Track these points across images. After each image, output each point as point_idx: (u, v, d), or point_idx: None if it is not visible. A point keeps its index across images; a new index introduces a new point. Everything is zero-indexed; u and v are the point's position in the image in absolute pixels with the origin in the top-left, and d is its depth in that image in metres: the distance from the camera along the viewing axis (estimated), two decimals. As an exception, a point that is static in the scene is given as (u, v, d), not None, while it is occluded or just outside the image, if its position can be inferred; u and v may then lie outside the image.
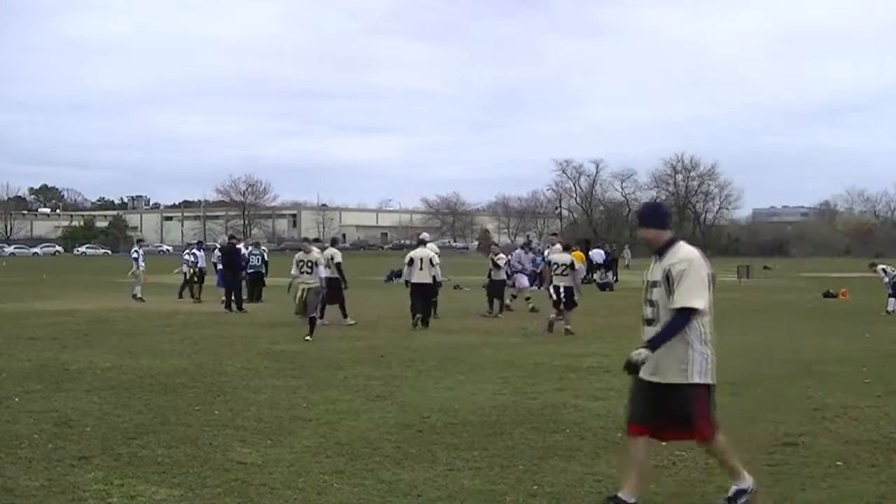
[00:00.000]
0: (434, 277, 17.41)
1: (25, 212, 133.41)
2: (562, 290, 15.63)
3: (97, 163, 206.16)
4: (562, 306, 15.69)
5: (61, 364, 11.43)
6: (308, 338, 14.26)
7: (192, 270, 25.30)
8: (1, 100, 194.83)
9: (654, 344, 5.05)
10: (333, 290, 17.54)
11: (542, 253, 26.83)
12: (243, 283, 22.80)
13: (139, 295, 24.54)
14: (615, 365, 11.40)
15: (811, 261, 77.59)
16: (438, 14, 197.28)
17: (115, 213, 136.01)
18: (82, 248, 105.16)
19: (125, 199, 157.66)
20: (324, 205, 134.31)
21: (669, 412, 5.13)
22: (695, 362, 5.09)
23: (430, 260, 17.29)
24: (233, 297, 21.17)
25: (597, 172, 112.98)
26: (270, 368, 11.20)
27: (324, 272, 14.96)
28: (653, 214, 5.50)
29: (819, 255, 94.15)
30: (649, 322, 5.25)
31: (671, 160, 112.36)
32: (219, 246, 27.56)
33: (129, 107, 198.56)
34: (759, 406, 8.62)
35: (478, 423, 7.82)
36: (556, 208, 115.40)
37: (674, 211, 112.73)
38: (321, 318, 17.26)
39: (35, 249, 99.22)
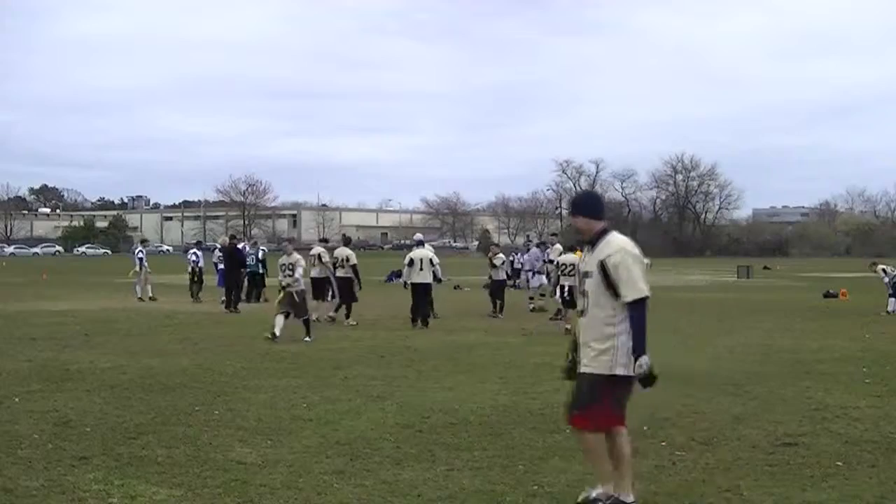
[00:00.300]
0: (435, 275, 17.60)
1: (25, 212, 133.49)
2: (567, 289, 15.82)
3: (97, 163, 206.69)
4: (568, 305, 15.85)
5: (61, 364, 11.43)
6: (307, 339, 14.25)
7: (190, 270, 25.29)
8: (1, 100, 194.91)
9: (638, 348, 4.98)
10: (345, 290, 17.68)
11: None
12: (243, 283, 22.81)
13: (150, 294, 24.53)
14: (615, 365, 11.43)
15: (811, 261, 77.61)
16: (438, 14, 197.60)
17: (115, 213, 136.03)
18: (82, 248, 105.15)
19: (125, 199, 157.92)
20: (324, 205, 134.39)
21: (580, 395, 5.10)
22: (620, 354, 5.02)
23: (431, 260, 17.51)
24: (231, 297, 21.18)
25: (597, 172, 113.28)
26: (270, 368, 11.20)
27: (301, 274, 14.82)
28: (585, 202, 5.41)
29: (819, 255, 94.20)
30: (580, 314, 5.21)
31: (671, 160, 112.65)
32: (219, 246, 27.55)
33: (130, 107, 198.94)
34: (759, 406, 8.62)
35: (478, 423, 7.82)
36: (557, 208, 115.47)
37: (674, 211, 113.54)
38: (347, 317, 17.41)
39: (35, 249, 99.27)
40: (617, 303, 5.02)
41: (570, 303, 15.70)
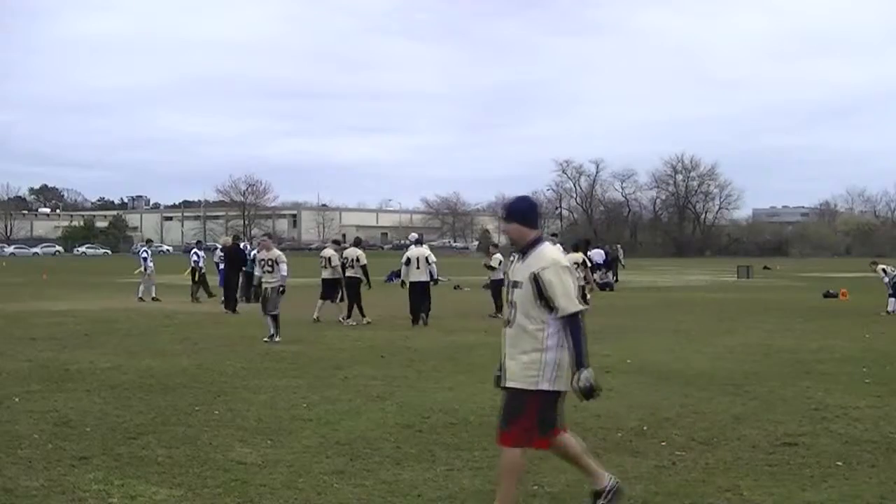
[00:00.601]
0: (431, 275, 17.71)
1: (25, 212, 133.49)
2: None
3: (97, 163, 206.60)
4: None
5: (61, 364, 11.43)
6: (267, 339, 14.03)
7: (191, 270, 25.31)
8: (1, 100, 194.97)
9: (582, 360, 4.81)
10: (353, 290, 17.74)
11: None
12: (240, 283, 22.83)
13: (153, 294, 24.54)
14: (615, 365, 11.44)
15: (811, 261, 77.63)
16: (438, 14, 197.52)
17: (115, 213, 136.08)
18: (82, 248, 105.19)
19: (125, 199, 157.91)
20: (324, 205, 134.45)
21: (506, 411, 4.92)
22: (546, 370, 4.83)
23: (427, 259, 17.70)
24: (230, 297, 21.22)
25: (597, 172, 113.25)
26: (270, 368, 11.20)
27: (285, 270, 14.64)
28: (519, 209, 5.10)
29: (819, 255, 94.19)
30: (507, 323, 5.01)
31: (671, 160, 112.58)
32: (220, 246, 27.57)
33: (130, 107, 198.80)
34: (759, 406, 8.62)
35: (478, 423, 7.82)
36: (557, 208, 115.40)
37: (674, 211, 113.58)
38: (348, 317, 17.43)
39: (35, 249, 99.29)
40: (547, 316, 4.83)
41: None
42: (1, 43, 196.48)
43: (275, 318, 14.43)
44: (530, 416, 4.84)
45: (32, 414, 8.12)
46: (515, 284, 4.97)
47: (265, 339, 14.15)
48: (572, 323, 4.81)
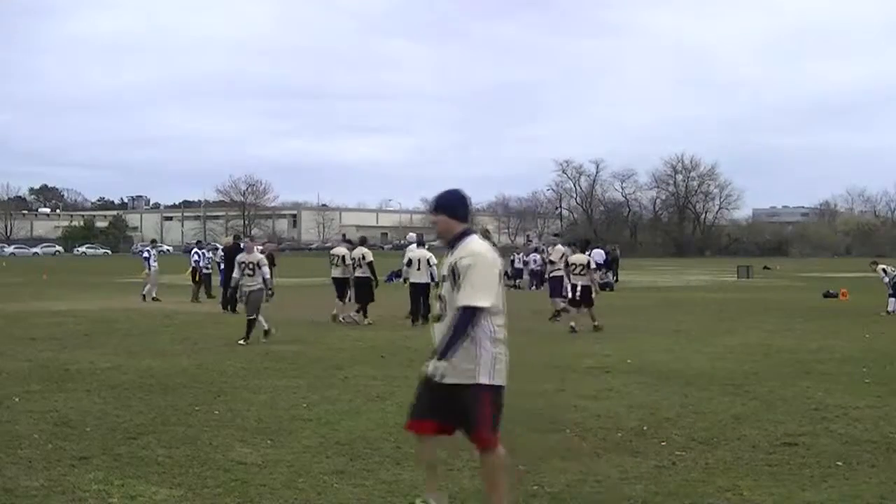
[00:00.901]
0: (432, 276, 17.63)
1: (25, 212, 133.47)
2: (579, 288, 16.32)
3: (97, 163, 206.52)
4: (581, 304, 16.34)
5: (61, 364, 11.43)
6: (242, 342, 13.71)
7: (191, 270, 25.32)
8: (1, 100, 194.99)
9: (443, 352, 4.69)
10: (364, 289, 17.73)
11: (545, 252, 26.66)
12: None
13: (154, 295, 24.54)
14: (615, 365, 11.45)
15: (811, 261, 77.61)
16: (438, 14, 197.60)
17: (115, 213, 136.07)
18: (82, 248, 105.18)
19: (125, 199, 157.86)
20: (324, 205, 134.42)
21: (454, 413, 4.80)
22: (483, 362, 4.75)
23: (428, 261, 17.71)
24: (234, 296, 21.22)
25: (597, 172, 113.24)
26: (270, 368, 11.20)
27: (268, 273, 14.47)
28: (446, 201, 4.96)
29: (819, 255, 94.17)
30: (437, 318, 4.93)
31: (671, 160, 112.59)
32: (220, 246, 27.58)
33: (130, 106, 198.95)
34: (759, 406, 8.62)
35: (478, 423, 7.80)
36: (557, 208, 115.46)
37: (674, 211, 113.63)
38: (365, 317, 17.48)
39: (35, 249, 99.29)
40: None
41: (579, 302, 16.30)
42: (1, 43, 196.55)
43: (250, 322, 14.11)
44: (484, 410, 4.77)
45: (32, 414, 8.12)
46: (444, 278, 4.90)
47: (239, 341, 13.76)
48: (462, 315, 4.66)
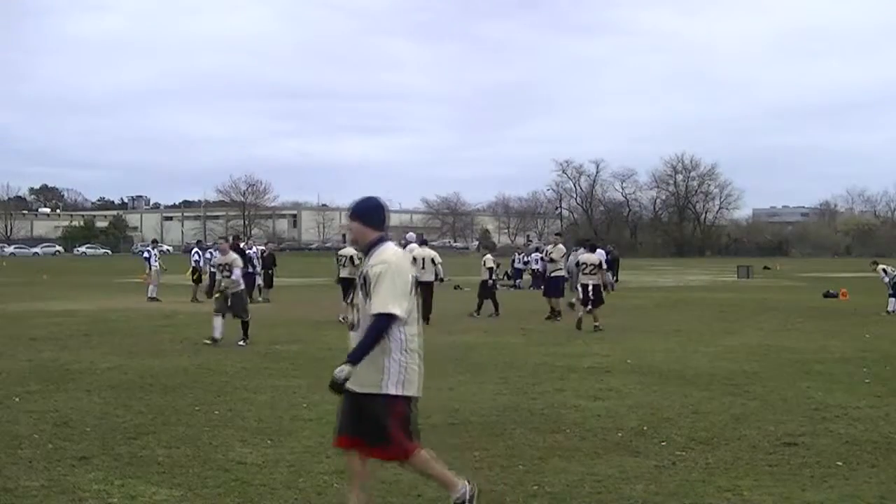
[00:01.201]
0: (437, 275, 18.10)
1: (25, 212, 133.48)
2: (590, 288, 16.49)
3: (97, 163, 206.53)
4: (590, 304, 16.51)
5: (61, 364, 11.43)
6: (241, 343, 13.61)
7: (191, 270, 25.35)
8: (1, 100, 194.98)
9: (354, 357, 4.61)
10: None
11: (545, 251, 26.57)
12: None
13: (152, 295, 24.55)
14: (615, 365, 11.45)
15: (811, 261, 77.63)
16: (438, 14, 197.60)
17: (115, 213, 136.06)
18: (82, 248, 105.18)
19: (125, 199, 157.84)
20: (324, 205, 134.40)
21: (364, 425, 4.74)
22: (391, 372, 4.69)
23: (433, 259, 17.98)
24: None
25: (597, 172, 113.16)
26: (270, 368, 11.20)
27: (237, 274, 14.13)
28: (362, 208, 4.92)
29: (819, 255, 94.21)
30: (352, 326, 4.87)
31: (671, 160, 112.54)
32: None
33: (130, 107, 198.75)
34: (759, 406, 8.62)
35: (478, 423, 7.82)
36: (557, 208, 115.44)
37: (674, 211, 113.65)
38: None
39: (35, 249, 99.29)
40: None
41: (593, 300, 16.47)
42: (1, 43, 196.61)
43: (245, 325, 13.96)
44: (395, 421, 4.71)
45: (32, 414, 8.12)
46: (357, 287, 4.86)
47: (239, 342, 13.60)
48: (376, 323, 4.61)
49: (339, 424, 4.92)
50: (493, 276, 20.37)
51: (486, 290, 20.11)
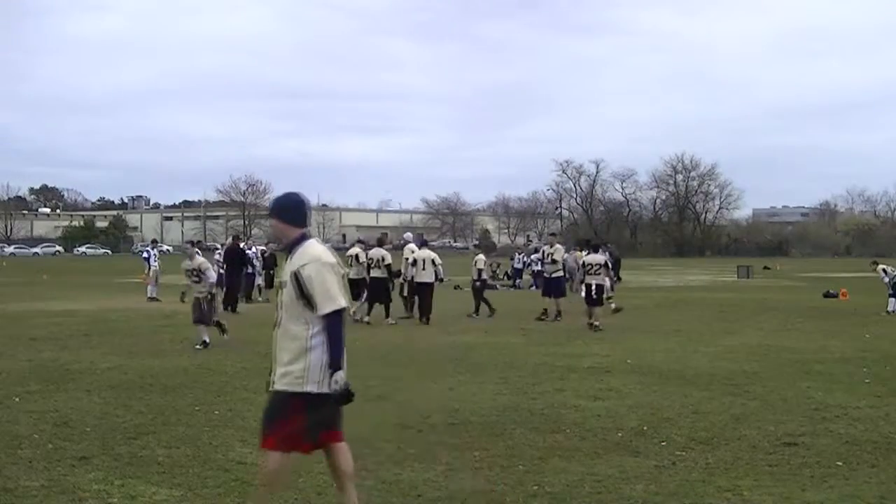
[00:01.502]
0: (437, 275, 18.34)
1: (25, 212, 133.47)
2: (593, 287, 16.71)
3: (97, 163, 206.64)
4: (594, 303, 16.71)
5: (61, 364, 11.43)
6: (200, 346, 13.17)
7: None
8: (1, 100, 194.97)
9: (335, 363, 4.58)
10: (381, 290, 17.83)
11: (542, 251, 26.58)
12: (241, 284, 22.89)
13: (152, 295, 24.55)
14: (615, 365, 11.45)
15: (811, 261, 77.62)
16: (438, 14, 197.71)
17: (115, 213, 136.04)
18: (82, 249, 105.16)
19: (125, 199, 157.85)
20: (324, 205, 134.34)
21: (268, 413, 4.72)
22: (312, 370, 4.62)
23: (433, 261, 18.24)
24: (234, 296, 21.26)
25: (597, 172, 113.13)
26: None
27: (213, 277, 13.79)
28: (283, 206, 4.89)
29: (819, 255, 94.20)
30: (276, 325, 4.81)
31: (671, 160, 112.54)
32: (217, 246, 27.63)
33: (129, 107, 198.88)
34: (759, 406, 8.62)
35: (478, 423, 7.82)
36: (557, 208, 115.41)
37: (674, 211, 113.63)
38: (387, 317, 17.53)
39: (35, 249, 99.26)
40: (310, 315, 4.64)
41: (594, 301, 16.64)
42: (2, 43, 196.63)
43: (218, 324, 13.74)
44: (296, 420, 4.61)
45: (32, 414, 8.12)
46: (282, 284, 4.81)
47: (198, 346, 13.19)
48: (329, 322, 4.61)
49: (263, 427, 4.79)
50: (483, 277, 20.46)
51: (475, 290, 20.24)
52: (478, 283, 20.20)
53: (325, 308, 4.60)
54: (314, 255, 4.73)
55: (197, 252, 14.26)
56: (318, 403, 4.62)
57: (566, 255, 33.57)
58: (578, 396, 9.14)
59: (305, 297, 4.64)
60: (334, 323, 4.61)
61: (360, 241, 19.52)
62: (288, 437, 4.62)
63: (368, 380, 10.21)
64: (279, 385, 4.69)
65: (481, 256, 21.29)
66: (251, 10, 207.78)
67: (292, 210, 4.87)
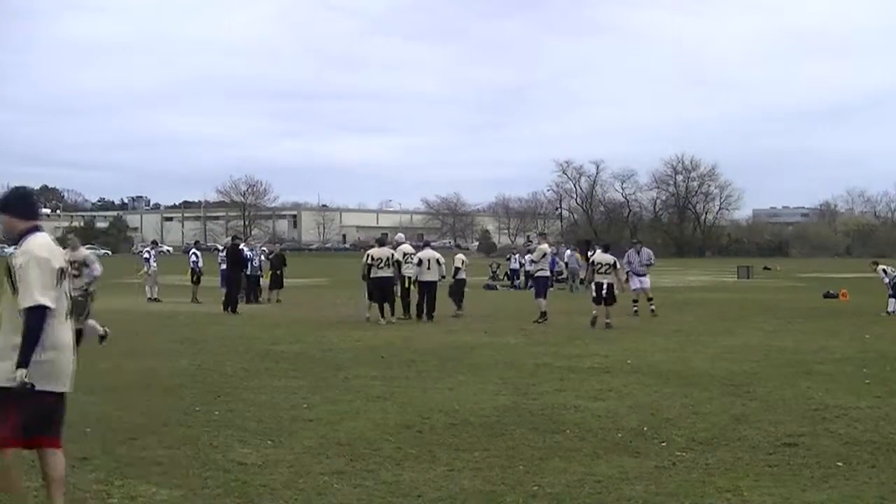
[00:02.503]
0: (442, 275, 18.87)
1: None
2: (604, 286, 17.00)
3: (97, 163, 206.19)
4: (603, 302, 17.00)
5: (61, 364, 11.39)
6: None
7: (190, 270, 25.39)
8: (1, 100, 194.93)
9: (24, 359, 4.49)
10: (387, 289, 17.78)
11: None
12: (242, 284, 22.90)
13: (153, 295, 24.58)
14: (615, 366, 11.45)
15: (811, 261, 77.61)
16: (438, 14, 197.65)
17: (115, 213, 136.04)
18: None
19: (125, 200, 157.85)
20: (324, 205, 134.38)
21: None
22: (35, 367, 4.54)
23: (437, 260, 18.75)
24: (234, 297, 21.25)
25: (597, 173, 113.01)
26: (270, 369, 11.20)
27: (98, 271, 13.03)
28: (10, 201, 4.86)
29: (819, 255, 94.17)
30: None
31: (671, 161, 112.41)
32: (220, 247, 27.65)
33: (129, 107, 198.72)
34: (759, 406, 8.62)
35: (478, 423, 7.82)
36: (557, 209, 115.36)
37: (674, 211, 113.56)
38: (392, 314, 17.57)
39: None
40: None
41: (606, 299, 16.94)
42: (1, 43, 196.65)
43: (79, 332, 12.66)
44: (10, 416, 4.55)
45: (32, 414, 8.11)
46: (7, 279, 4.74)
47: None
48: (26, 317, 4.53)
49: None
50: (460, 276, 20.59)
51: (450, 288, 20.36)
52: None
53: (26, 302, 4.55)
54: (30, 248, 4.68)
55: (81, 245, 13.35)
56: (39, 399, 4.60)
57: (568, 256, 33.78)
58: (578, 397, 9.14)
59: (18, 290, 4.61)
60: (30, 318, 4.53)
61: (377, 241, 18.97)
62: (9, 427, 4.58)
63: (369, 380, 10.23)
64: (4, 382, 4.56)
65: (461, 255, 21.98)
66: (251, 11, 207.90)
67: (19, 204, 4.87)
